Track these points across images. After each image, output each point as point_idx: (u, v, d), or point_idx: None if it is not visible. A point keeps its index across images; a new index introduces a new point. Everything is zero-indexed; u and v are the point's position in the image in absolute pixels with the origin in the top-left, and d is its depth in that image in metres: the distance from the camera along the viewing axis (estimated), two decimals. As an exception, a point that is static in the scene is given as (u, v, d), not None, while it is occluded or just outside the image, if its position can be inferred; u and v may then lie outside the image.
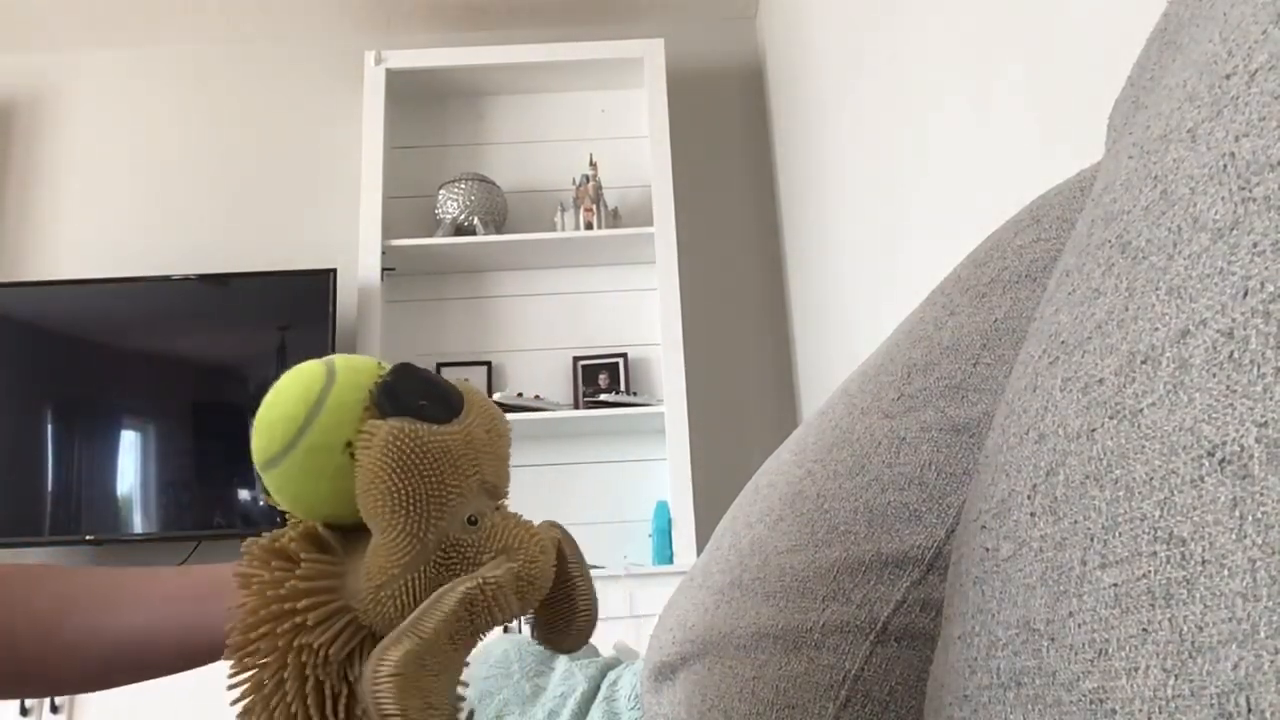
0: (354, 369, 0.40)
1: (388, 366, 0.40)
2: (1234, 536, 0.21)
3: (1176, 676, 0.22)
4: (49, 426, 2.45)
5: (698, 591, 0.57)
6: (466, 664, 0.40)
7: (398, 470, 0.37)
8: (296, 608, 0.37)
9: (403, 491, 0.37)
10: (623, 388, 2.63)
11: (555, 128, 2.89)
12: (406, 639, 0.35)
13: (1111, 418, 0.27)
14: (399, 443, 0.37)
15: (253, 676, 0.38)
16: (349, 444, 0.38)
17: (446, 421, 0.38)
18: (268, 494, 0.40)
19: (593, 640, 1.01)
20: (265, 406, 0.40)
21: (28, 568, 0.52)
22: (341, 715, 0.37)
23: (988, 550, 0.34)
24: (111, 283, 2.55)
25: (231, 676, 0.38)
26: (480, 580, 0.36)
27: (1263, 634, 0.20)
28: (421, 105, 2.88)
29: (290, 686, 0.37)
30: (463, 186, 2.66)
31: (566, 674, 0.86)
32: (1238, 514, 0.21)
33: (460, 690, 0.41)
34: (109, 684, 0.50)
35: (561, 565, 0.43)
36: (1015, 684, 0.30)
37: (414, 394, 0.38)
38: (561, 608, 0.44)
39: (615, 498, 2.61)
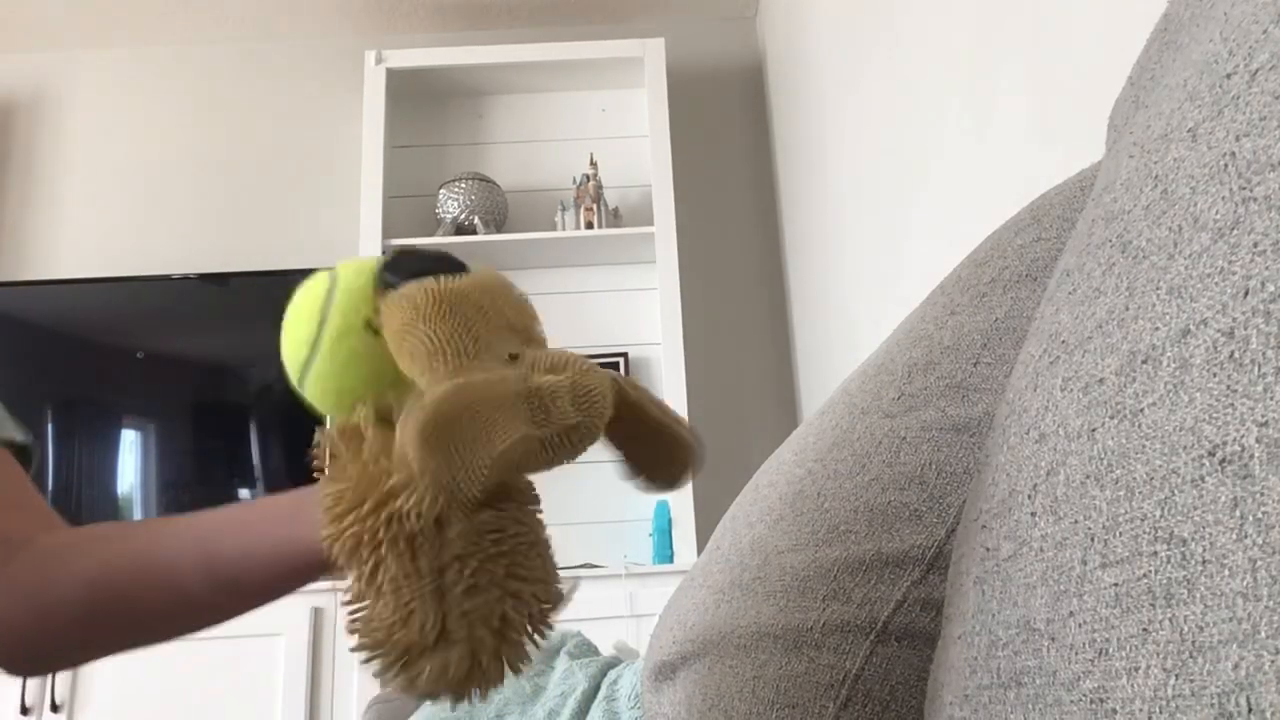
0: (354, 263, 0.42)
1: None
2: (1234, 536, 0.21)
3: (1177, 676, 0.22)
4: (49, 426, 2.45)
5: (698, 591, 0.57)
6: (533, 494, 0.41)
7: (423, 319, 0.38)
8: (376, 479, 0.36)
9: (432, 337, 0.37)
10: (623, 387, 2.63)
11: (555, 127, 2.89)
12: (445, 389, 0.34)
13: (1112, 417, 0.27)
14: (418, 297, 0.38)
15: (366, 567, 0.36)
16: (368, 322, 0.40)
17: (456, 275, 0.39)
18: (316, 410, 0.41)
19: (592, 640, 1.01)
20: (285, 323, 0.41)
21: (121, 524, 0.51)
22: (445, 573, 0.36)
23: (988, 550, 0.34)
24: (111, 283, 2.55)
25: (344, 578, 0.37)
26: (531, 384, 0.36)
27: (1263, 634, 0.20)
28: (421, 105, 2.88)
29: (391, 562, 0.36)
30: (463, 186, 2.66)
31: (567, 673, 0.86)
32: (1238, 514, 0.21)
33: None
34: (214, 617, 0.49)
35: (645, 412, 0.43)
36: (1016, 684, 0.30)
37: (418, 263, 0.40)
38: (659, 443, 0.44)
39: (615, 498, 2.61)
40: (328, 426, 0.40)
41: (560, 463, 0.40)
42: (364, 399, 0.40)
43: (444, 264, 0.40)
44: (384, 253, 2.17)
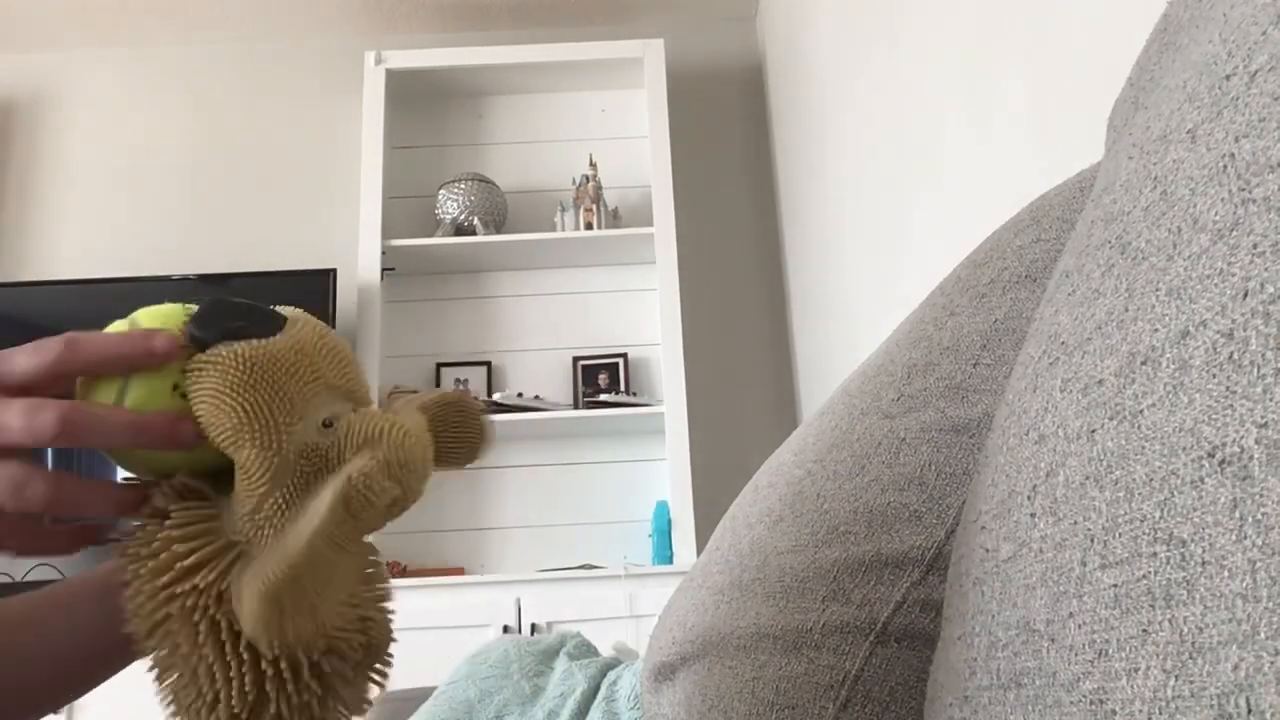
0: (157, 315, 0.40)
1: (194, 308, 0.40)
2: (1234, 537, 0.21)
3: (1176, 677, 0.22)
4: (49, 426, 2.45)
5: (697, 592, 0.57)
6: (375, 558, 0.41)
7: (233, 389, 0.36)
8: (177, 556, 0.36)
9: (244, 408, 0.36)
10: (623, 388, 2.63)
11: (555, 128, 2.89)
12: (272, 566, 0.34)
13: (1111, 419, 0.27)
14: (226, 363, 0.37)
15: (168, 644, 0.37)
16: (175, 386, 0.38)
17: (269, 336, 0.38)
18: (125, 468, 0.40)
19: (592, 640, 1.01)
20: (79, 383, 0.39)
21: None
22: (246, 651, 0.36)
23: (988, 551, 0.34)
24: (111, 283, 2.55)
25: (150, 657, 0.37)
26: (347, 477, 0.36)
27: (1263, 635, 0.20)
28: (421, 105, 2.88)
29: (203, 638, 0.36)
30: (463, 186, 2.66)
31: (566, 674, 0.86)
32: (1238, 515, 0.21)
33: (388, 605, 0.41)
34: (38, 710, 0.47)
35: (458, 405, 0.44)
36: (1015, 685, 0.30)
37: (228, 318, 0.38)
38: (456, 423, 0.45)
39: (615, 498, 2.61)
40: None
41: (381, 527, 0.40)
42: (180, 466, 0.39)
43: (255, 319, 0.38)
44: (382, 250, 2.14)
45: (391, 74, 2.69)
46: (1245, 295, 0.22)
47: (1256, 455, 0.21)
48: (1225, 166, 0.25)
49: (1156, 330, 0.26)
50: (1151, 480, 0.24)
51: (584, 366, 2.68)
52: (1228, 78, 0.27)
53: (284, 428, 0.37)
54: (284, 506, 0.37)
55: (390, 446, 0.38)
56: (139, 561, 0.37)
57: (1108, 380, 0.27)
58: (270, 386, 0.37)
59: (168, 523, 0.37)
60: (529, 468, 2.59)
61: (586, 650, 0.95)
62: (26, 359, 0.37)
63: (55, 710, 0.48)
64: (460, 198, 2.64)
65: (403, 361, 2.66)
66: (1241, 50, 0.26)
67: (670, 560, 2.31)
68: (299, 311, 0.40)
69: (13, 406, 0.36)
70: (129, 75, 2.93)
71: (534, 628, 2.10)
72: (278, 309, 0.40)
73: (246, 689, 0.36)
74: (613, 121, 2.89)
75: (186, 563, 0.36)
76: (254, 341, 0.37)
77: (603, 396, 2.57)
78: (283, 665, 0.36)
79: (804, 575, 0.50)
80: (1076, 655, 0.26)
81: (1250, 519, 0.21)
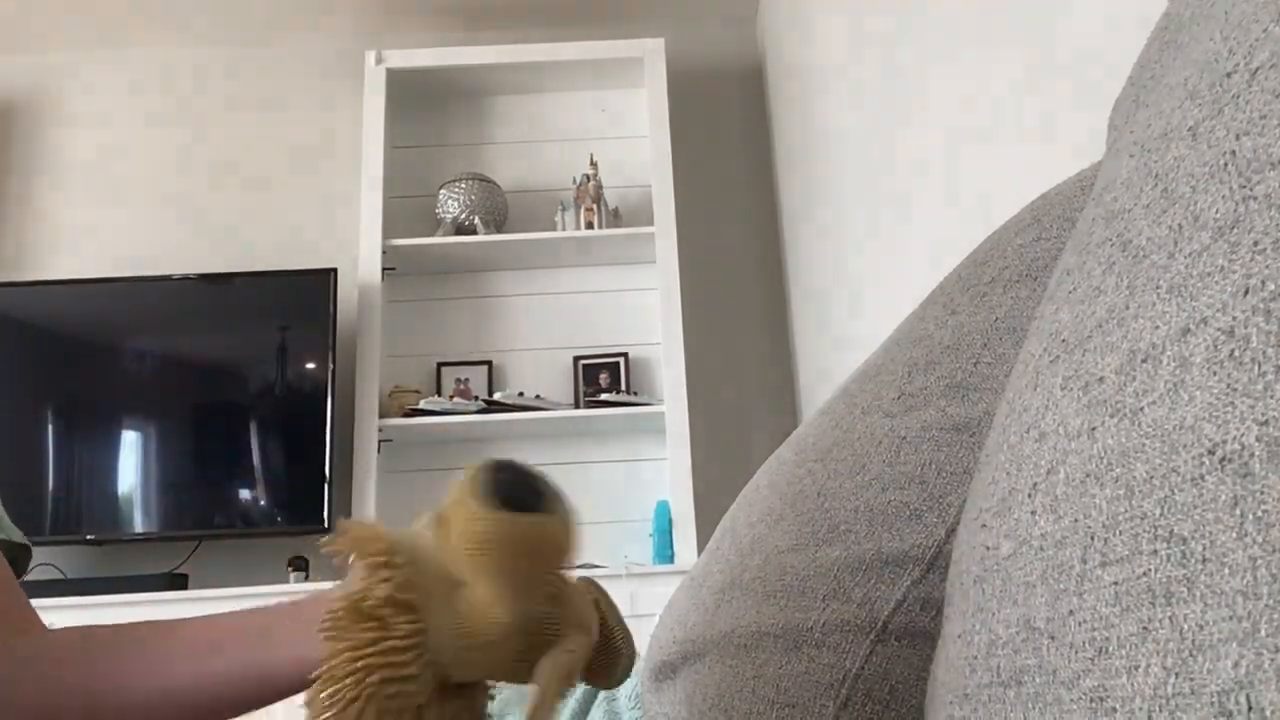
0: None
1: None
2: (1234, 535, 0.21)
3: (1177, 675, 0.22)
4: (49, 426, 2.45)
5: (698, 591, 0.57)
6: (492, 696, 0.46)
7: (502, 548, 0.41)
8: (393, 661, 0.41)
9: (505, 571, 0.41)
10: (623, 387, 2.63)
11: (555, 128, 2.89)
12: None
13: (1112, 416, 0.27)
14: (504, 525, 0.42)
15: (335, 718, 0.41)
16: (439, 515, 0.45)
17: (551, 511, 0.43)
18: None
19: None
20: None
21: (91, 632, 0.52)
22: None
23: (988, 549, 0.34)
24: (111, 283, 2.55)
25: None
26: (567, 653, 0.42)
27: (1263, 632, 0.20)
28: (421, 105, 2.88)
29: None
30: (463, 186, 2.66)
31: (567, 673, 0.86)
32: (1238, 512, 0.21)
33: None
34: None
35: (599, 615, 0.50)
36: (1016, 682, 0.30)
37: (518, 488, 0.43)
38: (604, 653, 0.49)
39: (615, 498, 2.61)
40: (342, 600, 0.43)
41: None
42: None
43: (536, 498, 0.43)
44: (383, 249, 2.14)
45: (392, 73, 2.69)
46: (1246, 292, 0.22)
47: (1257, 452, 0.21)
48: (1226, 164, 0.25)
49: (1157, 328, 0.26)
50: (1152, 478, 0.24)
51: (585, 366, 2.68)
52: (1229, 75, 0.27)
53: (526, 599, 0.42)
54: (495, 653, 0.42)
55: (593, 633, 0.45)
56: (352, 657, 0.41)
57: (1108, 378, 0.27)
58: (529, 555, 0.42)
59: (396, 634, 0.41)
60: (529, 467, 2.59)
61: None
62: None
63: None
64: (461, 197, 2.64)
65: (403, 361, 2.66)
66: (1243, 48, 0.26)
67: (671, 560, 2.31)
68: (563, 505, 0.46)
69: None
70: (129, 75, 2.93)
71: (534, 627, 2.10)
72: (555, 492, 0.45)
73: None
74: (613, 121, 2.89)
75: (404, 672, 0.40)
76: (540, 516, 0.42)
77: (603, 396, 2.57)
78: None
79: (805, 574, 0.50)
80: (1077, 653, 0.26)
81: (1251, 516, 0.21)
